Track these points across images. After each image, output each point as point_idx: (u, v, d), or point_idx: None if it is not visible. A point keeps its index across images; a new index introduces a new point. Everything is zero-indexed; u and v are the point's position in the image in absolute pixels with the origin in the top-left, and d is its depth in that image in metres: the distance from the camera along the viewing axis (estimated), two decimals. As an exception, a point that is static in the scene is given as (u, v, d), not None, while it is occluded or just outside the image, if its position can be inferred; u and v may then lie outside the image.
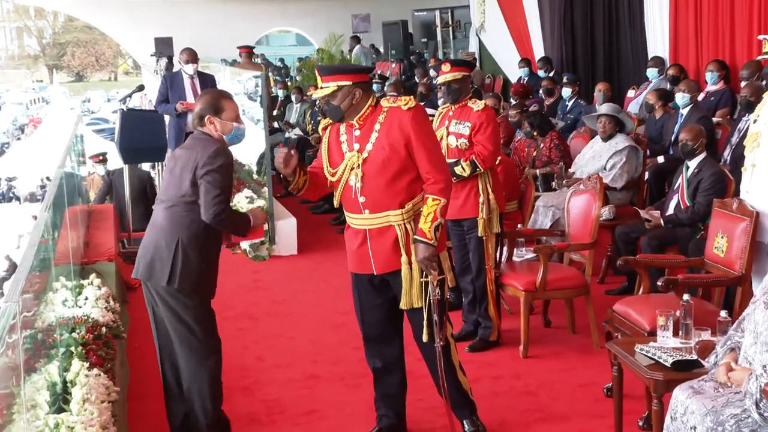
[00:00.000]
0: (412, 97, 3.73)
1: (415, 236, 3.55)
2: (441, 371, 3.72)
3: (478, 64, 13.08)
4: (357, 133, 3.62)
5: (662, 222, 5.38)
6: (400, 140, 3.54)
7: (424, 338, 3.66)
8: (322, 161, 3.73)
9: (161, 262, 3.63)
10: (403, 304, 3.66)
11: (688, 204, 5.31)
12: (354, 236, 3.73)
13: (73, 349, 4.22)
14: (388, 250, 3.63)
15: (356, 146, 3.61)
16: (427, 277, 3.59)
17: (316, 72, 3.68)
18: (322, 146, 3.75)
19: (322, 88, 3.57)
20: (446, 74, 4.88)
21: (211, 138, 3.64)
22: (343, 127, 3.68)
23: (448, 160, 4.82)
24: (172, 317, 3.67)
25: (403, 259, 3.61)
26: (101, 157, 9.09)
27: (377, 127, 3.59)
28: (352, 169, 3.61)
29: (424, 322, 3.63)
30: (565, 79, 9.07)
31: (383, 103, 3.63)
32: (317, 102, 10.23)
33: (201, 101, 3.69)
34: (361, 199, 3.62)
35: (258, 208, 3.91)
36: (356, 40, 16.82)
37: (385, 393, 3.95)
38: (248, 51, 11.62)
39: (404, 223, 3.60)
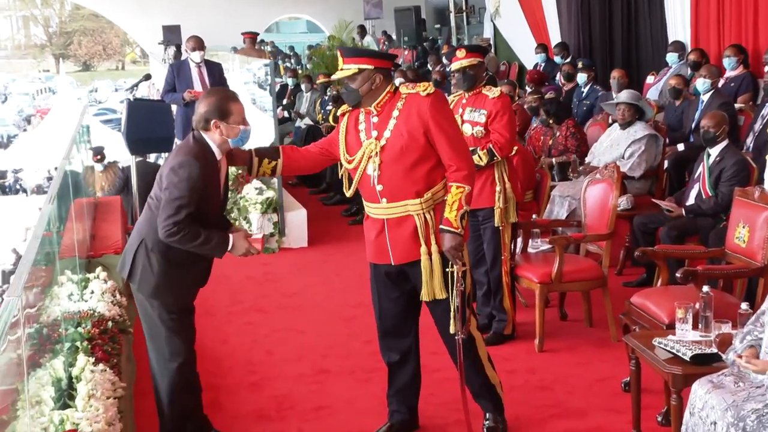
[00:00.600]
0: (430, 83, 3.69)
1: (442, 226, 3.50)
2: (460, 364, 3.67)
3: (492, 50, 12.97)
4: (375, 120, 3.58)
5: (684, 212, 5.30)
6: (419, 127, 3.50)
7: (451, 329, 3.62)
8: (338, 148, 3.67)
9: (126, 258, 3.58)
10: (424, 296, 3.61)
11: (710, 193, 5.25)
12: (372, 226, 3.68)
13: (78, 344, 4.20)
14: (406, 240, 3.58)
15: (374, 133, 3.57)
16: (452, 267, 3.53)
17: (339, 53, 3.65)
18: (339, 133, 3.69)
19: (342, 69, 3.55)
20: (461, 60, 4.82)
21: (198, 145, 3.47)
22: (362, 115, 3.63)
23: None
24: (139, 312, 3.66)
25: (423, 249, 3.56)
26: (99, 156, 8.99)
27: (395, 113, 3.54)
28: (370, 157, 3.56)
29: (451, 314, 3.59)
30: (580, 65, 8.94)
31: (402, 89, 3.59)
32: (328, 90, 10.26)
33: (207, 102, 3.51)
34: (379, 188, 3.57)
35: (245, 232, 3.69)
36: (363, 29, 16.69)
37: (399, 388, 3.90)
38: (252, 37, 11.53)
39: (423, 213, 3.55)
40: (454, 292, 3.55)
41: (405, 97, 3.55)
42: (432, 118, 3.49)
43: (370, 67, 3.51)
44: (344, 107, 3.74)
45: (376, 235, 3.65)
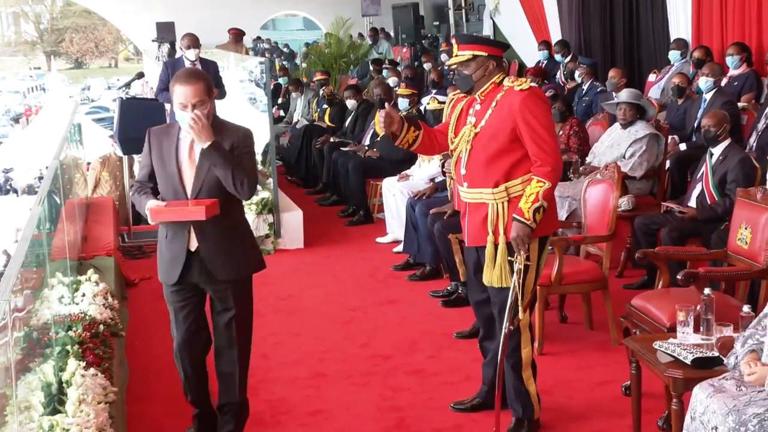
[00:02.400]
0: (528, 79, 3.77)
1: (514, 214, 3.61)
2: (502, 354, 3.72)
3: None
4: (477, 107, 3.72)
5: (697, 214, 5.25)
6: (508, 122, 3.60)
7: (521, 318, 3.70)
8: (449, 129, 3.84)
9: None
10: (485, 279, 3.74)
11: (714, 192, 5.22)
12: (461, 206, 3.89)
13: (69, 347, 4.17)
14: (478, 225, 3.73)
15: (472, 120, 3.72)
16: (515, 257, 3.61)
17: (453, 40, 3.76)
18: (452, 115, 3.84)
19: (457, 55, 3.66)
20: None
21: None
22: (467, 100, 3.80)
23: None
24: None
25: (489, 238, 3.67)
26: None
27: (493, 104, 3.66)
28: (466, 141, 3.71)
29: (508, 304, 3.65)
30: (577, 63, 8.89)
31: (505, 82, 3.69)
32: (322, 89, 10.19)
33: None
34: (462, 172, 3.74)
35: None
36: (375, 32, 16.55)
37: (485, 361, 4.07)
38: (236, 33, 11.46)
39: (496, 203, 3.65)
40: (514, 282, 3.61)
41: (506, 89, 3.65)
42: (520, 114, 3.57)
43: (484, 54, 3.64)
44: (454, 93, 3.90)
45: (462, 215, 3.86)
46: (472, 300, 4.08)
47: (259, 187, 7.21)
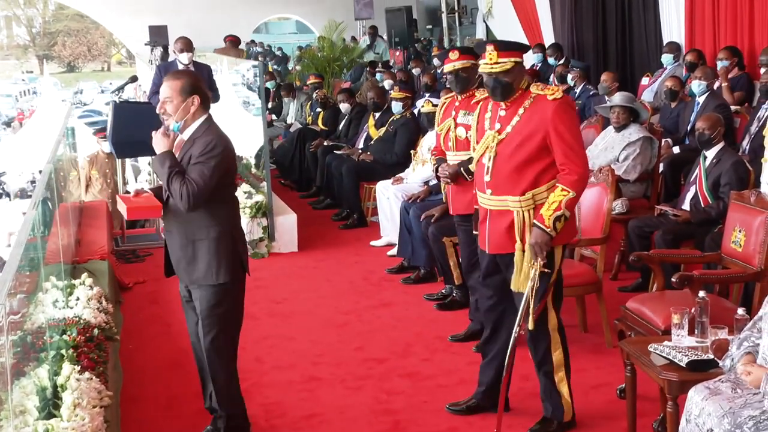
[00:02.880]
0: (560, 87, 3.78)
1: (534, 220, 3.60)
2: (509, 357, 3.72)
3: (485, 51, 12.89)
4: (502, 113, 3.69)
5: (691, 217, 5.27)
6: (539, 130, 3.59)
7: (530, 325, 3.69)
8: (471, 135, 3.91)
9: None
10: (513, 286, 3.72)
11: (707, 195, 5.24)
12: (480, 213, 3.85)
13: (63, 351, 4.15)
14: (502, 233, 3.71)
15: (497, 126, 3.69)
16: (533, 263, 3.60)
17: (492, 46, 3.67)
18: (473, 121, 3.87)
19: (498, 62, 3.60)
20: (454, 62, 4.76)
21: None
22: (490, 104, 3.77)
23: (458, 155, 4.74)
24: None
25: (518, 245, 3.66)
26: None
27: (521, 111, 3.64)
28: (488, 147, 3.69)
29: (521, 307, 3.66)
30: (570, 66, 8.92)
31: (532, 88, 3.68)
32: (315, 92, 10.18)
33: None
34: (487, 179, 3.71)
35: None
36: (375, 30, 16.56)
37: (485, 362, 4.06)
38: (233, 40, 11.46)
39: (522, 211, 3.64)
40: (528, 288, 3.60)
41: (534, 97, 3.64)
42: (552, 123, 3.56)
43: (521, 60, 3.65)
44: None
45: (481, 222, 3.83)
46: (482, 305, 4.05)
47: (252, 191, 7.21)
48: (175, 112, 3.59)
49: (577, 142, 3.64)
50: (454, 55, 4.77)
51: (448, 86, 5.21)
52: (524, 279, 3.65)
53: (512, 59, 3.61)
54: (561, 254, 3.73)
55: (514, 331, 3.68)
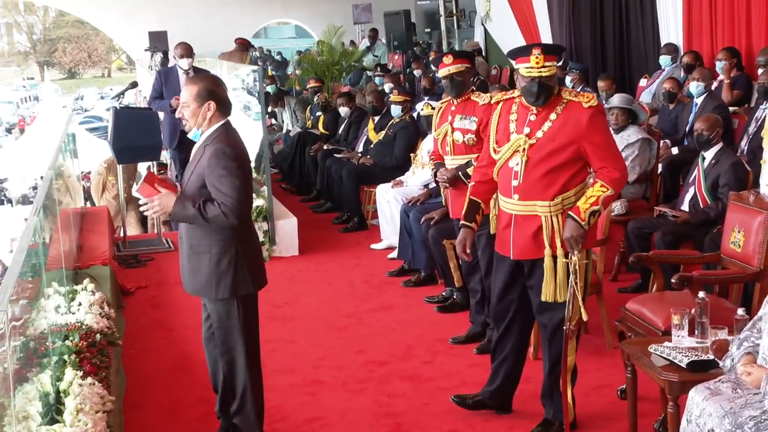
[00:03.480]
0: (594, 95, 3.76)
1: (570, 212, 3.57)
2: (564, 356, 3.72)
3: (483, 54, 12.96)
4: (532, 117, 3.65)
5: (691, 219, 5.28)
6: (572, 138, 3.57)
7: (584, 317, 3.67)
8: (489, 138, 3.79)
9: None
10: (544, 296, 3.68)
11: (706, 196, 5.25)
12: (502, 217, 3.81)
13: (66, 357, 4.17)
14: (528, 238, 3.68)
15: (526, 130, 3.64)
16: (570, 258, 3.57)
17: (539, 50, 3.61)
18: (491, 122, 3.79)
19: (545, 66, 3.57)
20: (449, 66, 4.78)
21: None
22: (515, 107, 3.72)
23: (456, 159, 4.76)
24: None
25: (547, 251, 3.63)
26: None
27: (553, 117, 3.61)
28: (516, 152, 3.64)
29: (566, 305, 3.62)
30: (568, 68, 8.94)
31: (564, 94, 3.66)
32: (316, 96, 10.18)
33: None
34: (514, 183, 3.67)
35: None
36: (375, 32, 16.60)
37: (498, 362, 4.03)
38: (243, 42, 11.51)
39: (551, 216, 3.62)
40: (570, 282, 3.58)
41: (566, 102, 3.62)
42: (587, 132, 3.56)
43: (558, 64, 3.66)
44: (497, 97, 3.85)
45: (503, 227, 3.78)
46: (496, 309, 3.97)
47: (254, 195, 7.22)
48: (191, 117, 3.56)
49: (613, 145, 3.67)
50: (448, 59, 4.78)
51: (444, 88, 5.20)
52: (560, 288, 3.62)
53: (554, 64, 3.60)
54: (588, 257, 3.70)
55: (565, 327, 3.63)
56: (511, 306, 3.89)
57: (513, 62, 3.72)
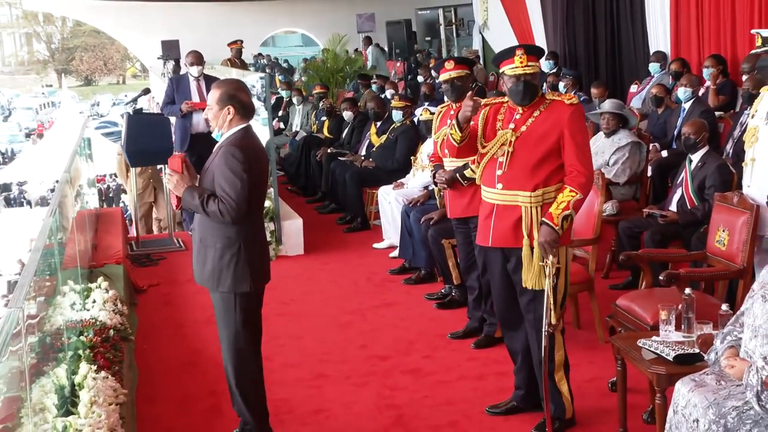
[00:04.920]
0: (577, 96, 3.85)
1: (543, 218, 3.66)
2: (545, 356, 3.74)
3: (481, 61, 13.07)
4: (518, 116, 3.77)
5: (678, 219, 5.32)
6: (555, 130, 3.68)
7: (553, 320, 3.70)
8: (478, 134, 3.87)
9: None
10: (525, 283, 3.76)
11: (693, 197, 5.30)
12: (483, 209, 3.88)
13: (81, 352, 4.24)
14: (508, 227, 3.76)
15: (512, 126, 3.76)
16: (544, 261, 3.64)
17: (521, 50, 3.73)
18: (479, 121, 3.86)
19: (528, 65, 3.69)
20: (450, 71, 4.87)
21: None
22: (503, 109, 3.83)
23: (454, 162, 4.83)
24: None
25: (525, 241, 3.71)
26: None
27: (536, 113, 3.73)
28: (503, 144, 3.74)
29: (544, 306, 3.68)
30: (561, 74, 9.04)
31: (548, 95, 3.79)
32: (321, 102, 10.30)
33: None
34: (498, 173, 3.75)
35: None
36: (369, 40, 16.80)
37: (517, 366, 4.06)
38: (236, 46, 11.70)
39: (531, 207, 3.70)
40: (547, 285, 3.64)
41: (549, 101, 3.75)
42: (568, 126, 3.67)
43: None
44: (487, 100, 3.93)
45: (484, 217, 3.85)
46: (499, 304, 4.03)
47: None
48: (213, 119, 3.67)
49: (587, 147, 3.75)
50: (449, 64, 4.87)
51: (444, 93, 5.29)
52: (535, 276, 3.69)
53: (537, 64, 3.73)
54: (566, 255, 3.77)
55: (543, 329, 3.69)
56: (513, 307, 3.92)
57: (498, 69, 3.83)
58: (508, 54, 3.76)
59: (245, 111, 3.68)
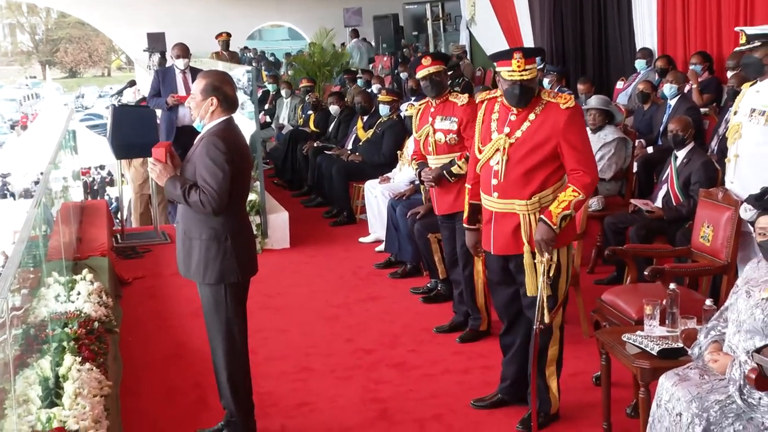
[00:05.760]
0: (572, 96, 3.77)
1: (541, 216, 3.61)
2: (534, 353, 3.75)
3: (468, 57, 13.10)
4: (512, 117, 3.67)
5: (663, 214, 5.35)
6: (550, 137, 3.59)
7: (546, 319, 3.68)
8: (474, 137, 3.81)
9: None
10: (529, 291, 3.72)
11: (678, 193, 5.33)
12: (484, 213, 3.85)
13: (65, 344, 4.22)
14: (508, 235, 3.72)
15: (506, 130, 3.67)
16: (539, 259, 3.62)
17: (519, 54, 3.62)
18: (478, 121, 3.81)
19: (526, 69, 3.59)
20: (428, 67, 4.85)
21: None
22: (498, 106, 3.74)
23: (439, 159, 4.85)
24: None
25: (526, 248, 3.68)
26: None
27: (532, 117, 3.64)
28: (498, 150, 3.67)
29: (536, 304, 3.66)
30: (546, 70, 9.08)
31: (543, 95, 3.68)
32: (308, 95, 10.31)
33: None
34: (494, 182, 3.70)
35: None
36: (355, 33, 16.78)
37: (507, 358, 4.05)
38: (224, 38, 11.70)
39: (528, 214, 3.66)
40: (541, 283, 3.62)
41: (545, 103, 3.64)
42: (564, 134, 3.58)
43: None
44: (482, 95, 3.85)
45: (485, 222, 3.83)
46: (498, 302, 4.02)
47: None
48: (195, 109, 3.65)
49: (588, 148, 3.68)
50: (426, 61, 4.85)
51: (424, 91, 5.27)
52: (539, 282, 3.63)
53: (535, 66, 3.61)
54: (567, 253, 3.74)
55: (533, 327, 3.68)
56: (511, 302, 3.91)
57: (495, 65, 3.75)
58: (506, 55, 3.65)
59: (228, 104, 3.66)
